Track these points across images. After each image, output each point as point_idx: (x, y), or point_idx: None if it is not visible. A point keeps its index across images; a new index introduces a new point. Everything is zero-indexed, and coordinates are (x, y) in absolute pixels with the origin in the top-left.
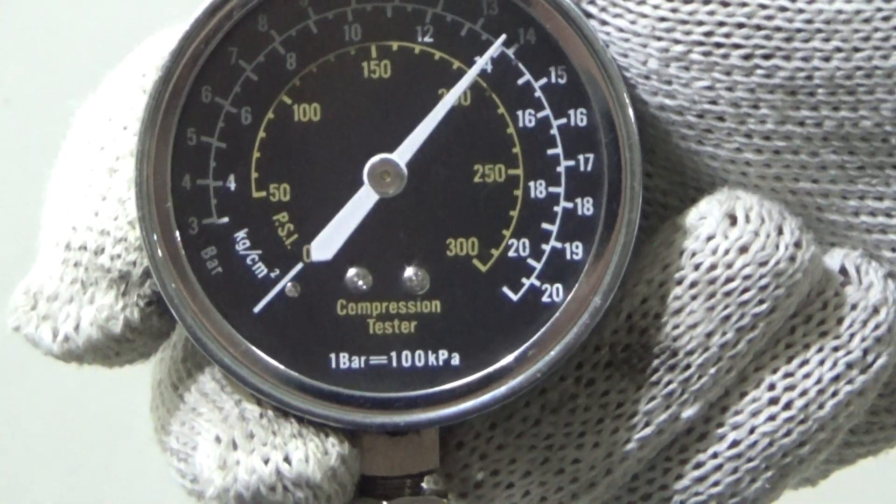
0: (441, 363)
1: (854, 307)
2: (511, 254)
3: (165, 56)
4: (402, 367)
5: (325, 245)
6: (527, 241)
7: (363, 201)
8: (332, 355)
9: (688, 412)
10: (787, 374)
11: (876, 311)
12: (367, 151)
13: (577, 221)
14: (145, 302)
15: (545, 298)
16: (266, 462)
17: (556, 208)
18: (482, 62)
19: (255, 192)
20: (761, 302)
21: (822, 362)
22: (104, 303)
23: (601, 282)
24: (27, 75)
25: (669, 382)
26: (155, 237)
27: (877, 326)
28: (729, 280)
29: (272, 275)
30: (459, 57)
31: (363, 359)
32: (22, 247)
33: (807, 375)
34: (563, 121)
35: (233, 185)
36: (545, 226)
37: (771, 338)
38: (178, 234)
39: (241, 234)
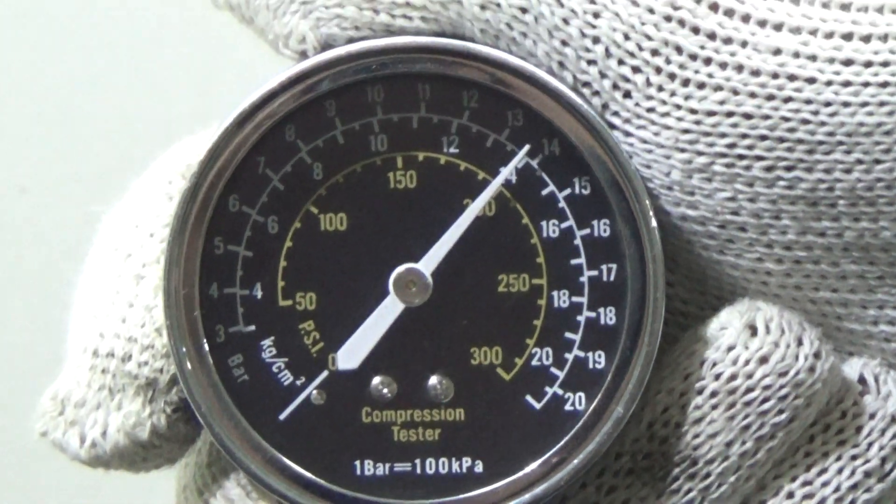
0: (465, 471)
1: (872, 416)
2: (534, 363)
3: (194, 166)
4: (426, 475)
5: (351, 354)
6: (550, 350)
7: (389, 311)
8: (357, 462)
9: None
10: (806, 483)
11: (894, 420)
12: (393, 261)
13: (600, 331)
14: (172, 408)
15: (568, 407)
16: None
17: (578, 318)
18: (506, 173)
19: (282, 300)
20: (781, 412)
21: (840, 471)
22: (131, 409)
23: (624, 391)
24: (43, 163)
25: (689, 491)
26: (184, 348)
27: (895, 435)
28: (749, 390)
29: (298, 382)
30: (484, 167)
31: (388, 466)
32: (40, 339)
33: (825, 484)
34: (587, 231)
35: (259, 294)
36: (568, 335)
37: (790, 447)
38: (205, 342)
39: (267, 342)
